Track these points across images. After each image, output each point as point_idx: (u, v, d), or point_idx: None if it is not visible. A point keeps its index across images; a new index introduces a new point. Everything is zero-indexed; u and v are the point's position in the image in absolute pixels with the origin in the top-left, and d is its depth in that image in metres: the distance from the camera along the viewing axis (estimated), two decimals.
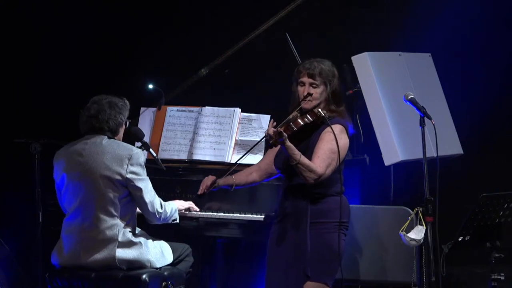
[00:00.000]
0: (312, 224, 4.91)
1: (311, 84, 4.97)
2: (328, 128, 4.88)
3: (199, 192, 5.22)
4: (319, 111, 4.90)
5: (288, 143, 4.75)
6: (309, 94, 4.95)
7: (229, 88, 6.71)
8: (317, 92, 4.97)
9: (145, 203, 5.20)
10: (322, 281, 4.90)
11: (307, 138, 4.95)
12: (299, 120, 4.86)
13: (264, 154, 5.74)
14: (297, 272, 4.90)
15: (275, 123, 4.78)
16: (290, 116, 4.89)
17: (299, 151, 4.79)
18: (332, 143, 4.86)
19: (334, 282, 5.03)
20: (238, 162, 5.23)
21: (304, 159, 4.78)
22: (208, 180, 5.21)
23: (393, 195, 6.20)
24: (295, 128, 4.82)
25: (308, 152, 4.88)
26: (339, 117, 4.98)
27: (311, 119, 4.90)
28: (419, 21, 6.82)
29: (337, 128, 4.91)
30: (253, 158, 5.74)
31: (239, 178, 5.25)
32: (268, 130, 4.75)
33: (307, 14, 6.48)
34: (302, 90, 4.98)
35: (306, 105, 4.96)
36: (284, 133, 4.72)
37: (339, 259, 4.93)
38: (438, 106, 6.22)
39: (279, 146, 4.84)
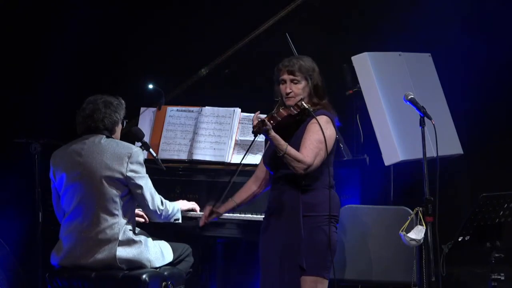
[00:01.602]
0: (303, 217, 4.90)
1: (292, 81, 4.99)
2: (313, 120, 4.90)
3: (200, 225, 5.19)
4: (302, 104, 4.92)
5: (273, 134, 4.78)
6: (291, 92, 4.98)
7: (229, 88, 6.70)
8: (299, 87, 4.98)
9: (145, 200, 5.21)
10: (318, 274, 4.89)
11: (294, 132, 4.97)
12: (282, 111, 4.89)
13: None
14: (291, 266, 4.90)
15: (260, 114, 4.83)
16: (274, 110, 4.92)
17: (285, 142, 4.80)
18: (319, 133, 4.88)
19: (330, 281, 5.02)
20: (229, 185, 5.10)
21: (291, 149, 4.81)
22: (206, 211, 5.16)
23: (393, 195, 6.20)
24: (279, 118, 4.85)
25: (296, 145, 4.89)
26: (323, 109, 4.99)
27: (295, 111, 4.92)
28: (419, 21, 6.82)
29: (322, 119, 4.93)
30: (254, 158, 5.73)
31: (240, 197, 5.19)
32: (252, 119, 4.80)
33: (307, 14, 6.48)
34: (284, 88, 5.00)
35: (289, 101, 4.98)
36: (268, 122, 4.74)
37: (333, 251, 4.93)
38: (438, 106, 6.22)
39: (268, 146, 4.87)
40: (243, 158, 5.17)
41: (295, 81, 4.99)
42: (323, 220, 4.92)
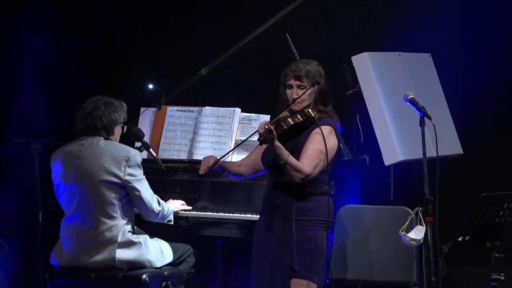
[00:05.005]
0: (296, 221, 4.91)
1: (298, 86, 4.98)
2: (317, 129, 4.89)
3: (200, 172, 5.14)
4: (309, 112, 4.91)
5: (277, 143, 4.77)
6: (298, 97, 4.97)
7: (229, 88, 6.71)
8: (306, 93, 4.97)
9: (143, 202, 5.20)
10: (307, 277, 4.89)
11: (295, 138, 4.97)
12: (289, 120, 4.88)
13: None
14: (283, 268, 4.91)
15: (268, 123, 4.81)
16: (280, 115, 4.91)
17: (287, 151, 4.81)
18: (321, 143, 4.87)
19: (326, 283, 5.02)
20: (237, 146, 5.15)
21: (292, 159, 4.81)
22: (211, 159, 5.16)
23: (393, 195, 6.21)
24: (285, 127, 4.84)
25: (297, 152, 4.89)
26: (327, 117, 4.99)
27: (301, 119, 4.92)
28: (419, 21, 6.82)
29: (326, 129, 4.92)
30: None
31: (232, 166, 5.27)
32: (259, 127, 4.77)
33: (307, 14, 6.49)
34: (290, 93, 4.99)
35: (295, 107, 4.97)
36: (274, 131, 4.74)
37: (324, 256, 4.94)
38: (438, 106, 6.23)
39: (270, 148, 4.87)
40: (240, 143, 5.19)
41: (301, 87, 4.98)
42: (316, 224, 4.93)
